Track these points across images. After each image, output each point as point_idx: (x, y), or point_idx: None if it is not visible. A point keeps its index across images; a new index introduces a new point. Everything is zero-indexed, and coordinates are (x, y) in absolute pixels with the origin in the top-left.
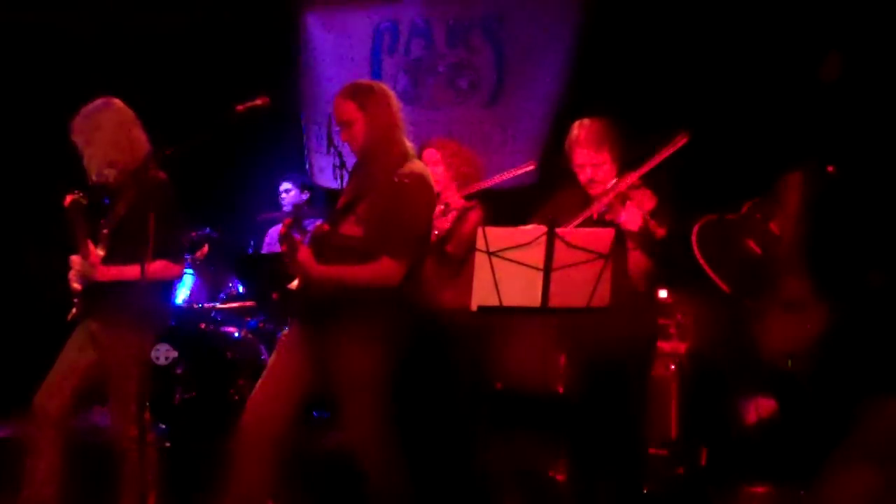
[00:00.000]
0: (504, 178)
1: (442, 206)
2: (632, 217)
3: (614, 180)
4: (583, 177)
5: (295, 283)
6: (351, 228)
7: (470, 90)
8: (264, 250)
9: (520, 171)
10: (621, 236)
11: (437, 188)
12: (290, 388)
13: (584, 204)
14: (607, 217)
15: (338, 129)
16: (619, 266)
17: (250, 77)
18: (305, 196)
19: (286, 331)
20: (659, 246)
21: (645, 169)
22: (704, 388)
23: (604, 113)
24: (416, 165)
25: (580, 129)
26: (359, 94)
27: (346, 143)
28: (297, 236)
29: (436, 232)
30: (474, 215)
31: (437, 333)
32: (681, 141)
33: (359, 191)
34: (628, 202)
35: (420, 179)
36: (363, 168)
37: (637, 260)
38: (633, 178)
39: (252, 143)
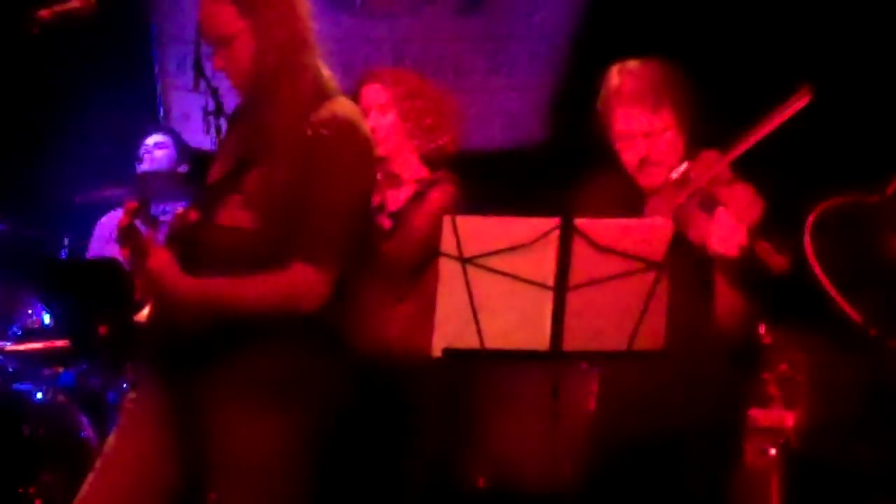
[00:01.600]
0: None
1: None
2: (727, 233)
3: (685, 164)
4: (630, 155)
5: (145, 312)
6: (235, 215)
7: None
8: (92, 252)
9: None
10: (684, 242)
11: (383, 149)
12: (141, 485)
13: (631, 203)
14: (690, 236)
15: (209, 49)
16: (682, 283)
17: None
18: (183, 168)
19: (131, 392)
20: (772, 285)
21: (742, 146)
22: (823, 487)
23: (661, 48)
24: (342, 106)
25: (622, 77)
26: None
27: (222, 73)
28: (145, 231)
29: (381, 203)
30: (440, 194)
31: (381, 394)
32: (801, 100)
33: (246, 152)
34: (718, 208)
35: (348, 129)
36: (252, 114)
37: (730, 302)
38: (721, 162)
39: (68, 73)
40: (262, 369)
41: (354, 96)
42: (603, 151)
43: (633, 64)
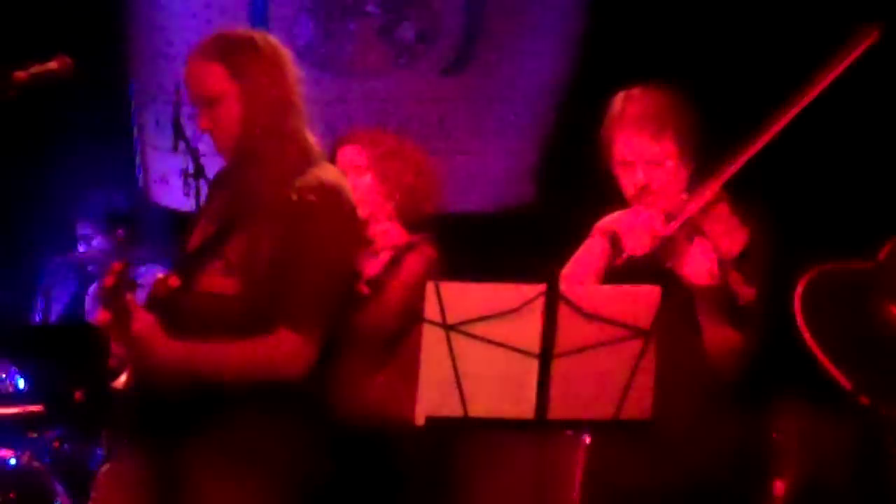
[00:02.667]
0: None
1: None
2: (699, 262)
3: (685, 196)
4: (629, 182)
5: (122, 379)
6: (217, 282)
7: (420, 46)
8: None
9: None
10: (681, 296)
11: (362, 211)
12: None
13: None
14: (667, 263)
15: (193, 110)
16: (675, 347)
17: (45, 26)
18: (119, 233)
19: (105, 465)
20: (745, 314)
21: (762, 140)
22: None
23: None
24: (327, 172)
25: (627, 104)
26: (231, 50)
27: (207, 134)
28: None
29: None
30: (417, 259)
31: (361, 463)
32: (865, 42)
33: (229, 217)
34: (697, 237)
35: (335, 195)
36: (236, 178)
37: (714, 333)
38: (714, 183)
39: (46, 133)
40: (240, 440)
41: (332, 157)
42: (595, 206)
43: (637, 90)
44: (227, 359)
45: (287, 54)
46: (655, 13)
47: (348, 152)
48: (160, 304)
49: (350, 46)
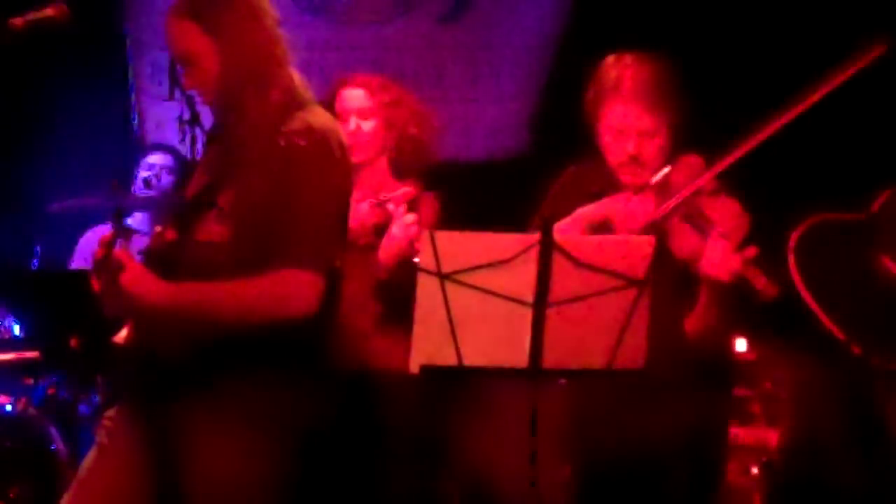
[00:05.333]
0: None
1: (373, 201)
2: (722, 259)
3: (667, 168)
4: (619, 151)
5: (123, 333)
6: (210, 229)
7: None
8: (75, 265)
9: None
10: (663, 250)
11: (359, 156)
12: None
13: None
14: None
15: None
16: (663, 298)
17: None
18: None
19: (109, 410)
20: (756, 308)
21: (741, 149)
22: None
23: (654, 47)
24: (315, 116)
25: (622, 70)
26: (203, 6)
27: (192, 91)
28: (119, 246)
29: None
30: (427, 207)
31: (358, 413)
32: (877, 51)
33: (220, 168)
34: (713, 231)
35: (323, 137)
36: (225, 130)
37: (709, 320)
38: (710, 173)
39: (41, 81)
40: (240, 395)
41: (331, 98)
42: (579, 160)
43: (629, 57)
44: (228, 296)
45: (263, 0)
46: None
47: (353, 95)
48: (158, 257)
49: None
